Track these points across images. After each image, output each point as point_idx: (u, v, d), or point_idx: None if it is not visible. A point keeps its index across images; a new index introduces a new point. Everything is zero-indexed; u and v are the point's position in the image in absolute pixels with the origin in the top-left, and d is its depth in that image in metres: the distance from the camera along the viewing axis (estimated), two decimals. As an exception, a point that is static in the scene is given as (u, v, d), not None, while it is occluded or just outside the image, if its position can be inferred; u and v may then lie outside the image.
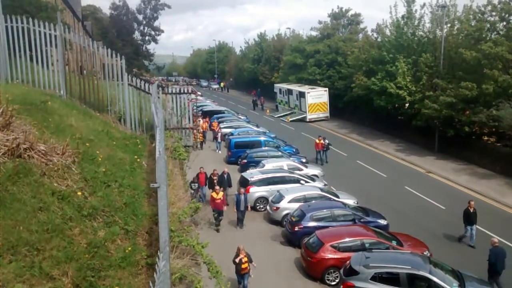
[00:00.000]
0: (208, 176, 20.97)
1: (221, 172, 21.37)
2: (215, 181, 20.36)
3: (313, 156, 29.96)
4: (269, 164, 24.28)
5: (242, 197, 18.51)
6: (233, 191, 20.98)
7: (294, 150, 30.53)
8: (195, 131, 28.04)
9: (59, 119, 9.33)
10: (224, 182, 20.89)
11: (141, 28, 79.21)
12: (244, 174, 22.60)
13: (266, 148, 28.55)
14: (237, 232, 18.50)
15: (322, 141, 29.46)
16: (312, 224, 16.97)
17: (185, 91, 14.72)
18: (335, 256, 14.58)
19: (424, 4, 34.32)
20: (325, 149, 29.56)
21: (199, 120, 33.31)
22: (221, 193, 18.44)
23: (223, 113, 43.64)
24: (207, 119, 38.42)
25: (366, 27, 52.37)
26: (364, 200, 21.26)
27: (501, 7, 27.58)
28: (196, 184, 19.90)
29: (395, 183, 25.33)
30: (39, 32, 12.09)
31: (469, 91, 26.98)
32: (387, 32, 37.25)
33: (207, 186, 20.89)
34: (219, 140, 32.40)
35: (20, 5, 22.66)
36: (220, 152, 31.72)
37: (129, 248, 6.05)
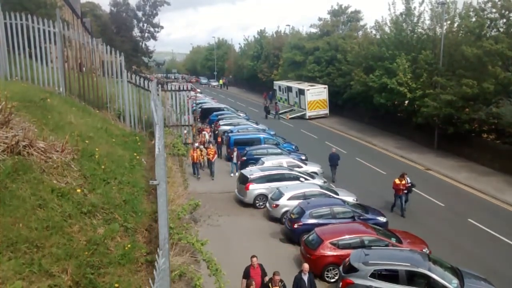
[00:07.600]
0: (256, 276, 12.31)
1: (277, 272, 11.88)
2: None
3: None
4: (269, 161, 24.27)
5: None
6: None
7: (294, 147, 30.51)
8: (202, 146, 27.44)
9: (58, 116, 9.32)
10: None
11: (140, 24, 79.07)
12: (243, 171, 22.57)
13: (266, 145, 28.53)
14: None
15: (404, 181, 20.43)
16: (311, 221, 16.99)
17: (184, 88, 14.74)
18: (335, 253, 14.60)
19: (423, 1, 34.22)
20: (407, 191, 20.54)
21: (205, 134, 30.62)
22: None
23: (223, 110, 43.62)
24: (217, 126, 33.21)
25: (366, 24, 52.41)
26: (363, 197, 21.25)
27: (501, 4, 27.52)
28: None
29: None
30: (38, 29, 12.07)
31: (469, 88, 26.94)
32: (386, 29, 37.17)
33: None
34: (234, 160, 26.09)
35: (19, 2, 22.56)
36: (236, 175, 24.32)
37: (129, 245, 6.05)
